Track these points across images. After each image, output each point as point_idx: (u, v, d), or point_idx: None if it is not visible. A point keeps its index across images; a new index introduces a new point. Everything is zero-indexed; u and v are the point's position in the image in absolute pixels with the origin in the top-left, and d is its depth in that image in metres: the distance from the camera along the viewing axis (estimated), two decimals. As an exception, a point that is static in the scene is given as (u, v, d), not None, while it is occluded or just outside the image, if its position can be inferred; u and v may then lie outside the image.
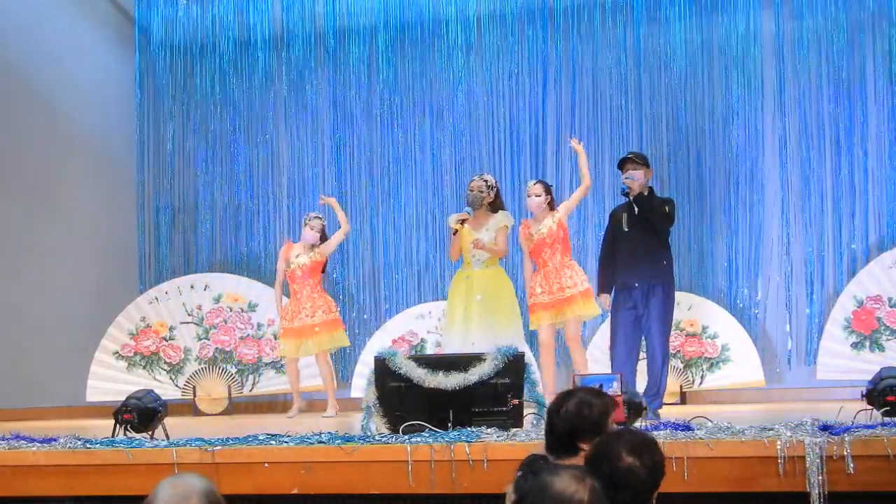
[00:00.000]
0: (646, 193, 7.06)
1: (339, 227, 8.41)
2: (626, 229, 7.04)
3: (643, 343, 7.15)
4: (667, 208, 7.07)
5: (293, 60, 10.29)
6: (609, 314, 7.37)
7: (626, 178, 7.03)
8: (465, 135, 9.88)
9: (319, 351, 8.30)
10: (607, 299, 7.25)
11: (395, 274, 9.92)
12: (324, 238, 8.36)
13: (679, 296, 8.95)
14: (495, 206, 7.07)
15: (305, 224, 8.36)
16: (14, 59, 9.39)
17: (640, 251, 7.01)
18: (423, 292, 9.72)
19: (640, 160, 7.14)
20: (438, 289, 9.64)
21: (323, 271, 8.49)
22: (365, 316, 9.89)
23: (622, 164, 7.16)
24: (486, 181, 7.02)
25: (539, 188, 7.49)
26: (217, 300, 9.47)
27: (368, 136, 10.08)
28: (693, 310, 8.90)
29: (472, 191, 6.98)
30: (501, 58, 9.82)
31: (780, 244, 9.15)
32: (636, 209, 7.00)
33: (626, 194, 7.01)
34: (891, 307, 8.53)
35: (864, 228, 8.97)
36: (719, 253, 9.26)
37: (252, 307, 9.45)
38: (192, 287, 9.47)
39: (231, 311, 9.46)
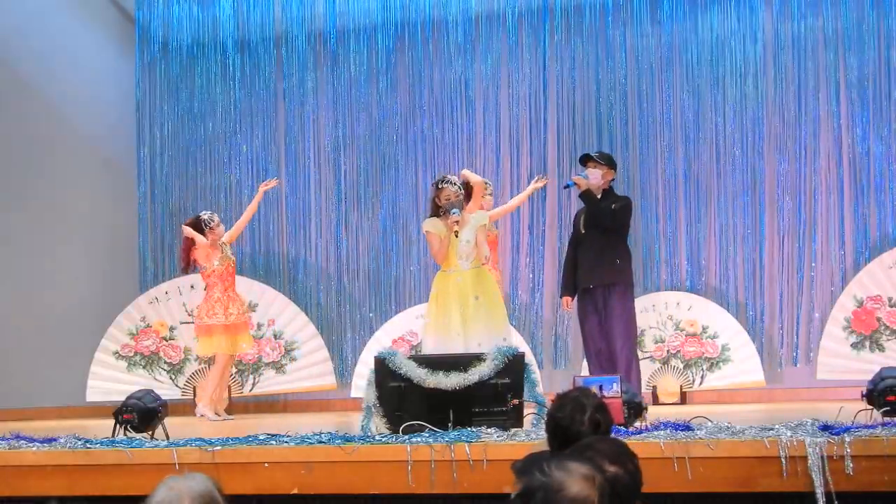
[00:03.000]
0: (598, 195, 7.24)
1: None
2: (583, 231, 7.25)
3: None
4: (613, 206, 7.24)
5: (293, 60, 10.29)
6: (577, 317, 7.60)
7: (577, 175, 7.26)
8: (465, 134, 9.88)
9: (220, 352, 8.40)
10: (568, 301, 7.46)
11: (394, 274, 9.92)
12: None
13: (679, 296, 9.02)
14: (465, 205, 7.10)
15: (210, 228, 8.37)
16: (14, 58, 9.39)
17: (595, 252, 7.24)
18: (423, 292, 9.71)
19: (603, 160, 7.35)
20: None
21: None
22: (370, 315, 9.89)
23: (584, 161, 7.39)
24: (454, 182, 6.99)
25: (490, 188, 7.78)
26: (217, 300, 9.45)
27: (368, 135, 10.09)
28: (693, 310, 8.90)
29: (449, 198, 6.89)
30: (501, 57, 9.83)
31: (779, 244, 9.15)
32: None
33: (567, 188, 7.26)
34: (891, 307, 8.53)
35: (865, 228, 8.97)
36: (719, 253, 9.26)
37: (252, 307, 9.44)
38: (192, 287, 9.45)
39: (231, 311, 9.46)
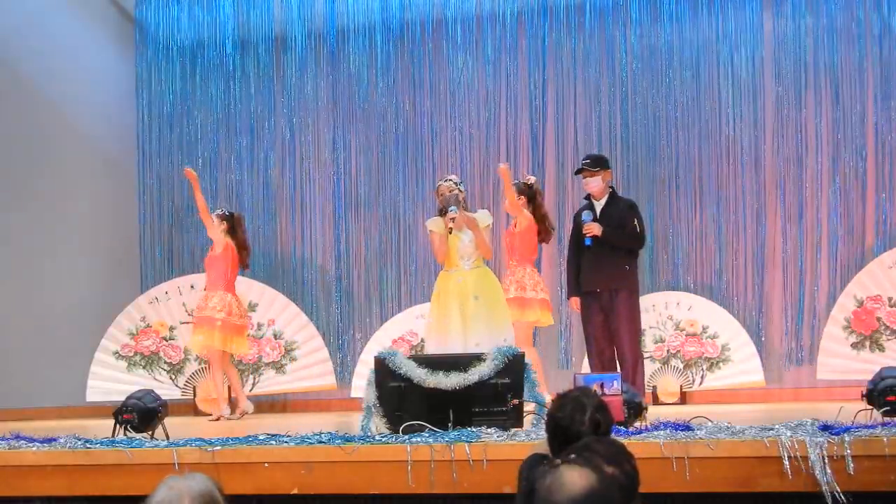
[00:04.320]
0: (603, 200, 7.33)
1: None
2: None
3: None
4: (635, 225, 7.29)
5: (293, 60, 10.29)
6: (581, 318, 7.63)
7: (585, 227, 7.28)
8: (465, 134, 9.88)
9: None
10: (577, 302, 7.47)
11: (394, 274, 9.92)
12: (231, 231, 8.44)
13: (679, 296, 9.02)
14: (466, 205, 7.07)
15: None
16: (14, 58, 9.39)
17: (603, 256, 7.26)
18: (423, 292, 9.71)
19: (597, 165, 7.37)
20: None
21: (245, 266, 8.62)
22: (370, 315, 9.89)
23: (579, 171, 7.45)
24: (452, 180, 7.00)
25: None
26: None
27: (368, 135, 10.09)
28: (693, 310, 8.90)
29: (443, 195, 6.93)
30: (501, 57, 9.83)
31: (779, 244, 9.15)
32: (598, 217, 7.36)
33: (589, 246, 7.30)
34: (891, 307, 8.53)
35: (864, 228, 8.97)
36: (719, 253, 9.26)
37: (252, 307, 9.44)
38: (192, 287, 9.45)
39: (231, 311, 9.45)
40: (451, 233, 6.75)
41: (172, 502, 2.43)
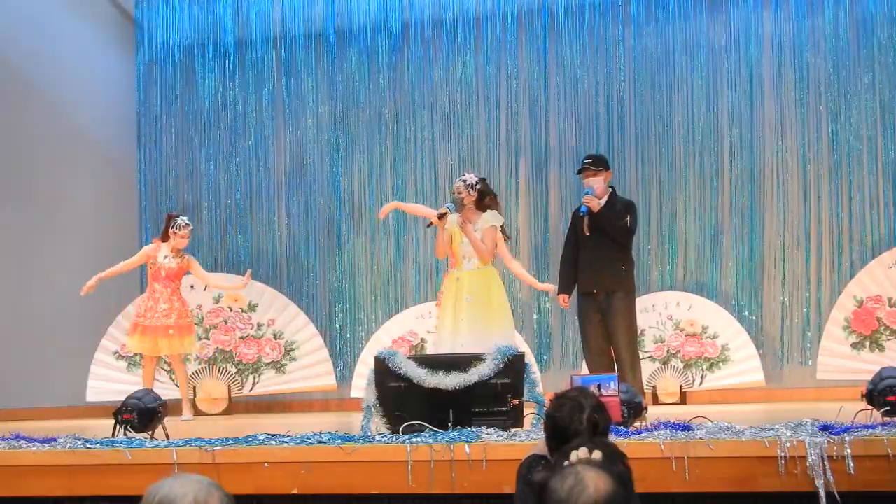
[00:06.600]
0: (604, 201, 7.30)
1: (236, 283, 8.84)
2: (587, 234, 7.27)
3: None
4: (627, 220, 7.31)
5: (293, 60, 10.29)
6: (577, 318, 7.63)
7: (586, 197, 7.25)
8: (465, 134, 9.88)
9: (173, 354, 8.42)
10: (565, 299, 7.48)
11: (395, 273, 9.92)
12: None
13: (679, 296, 9.02)
14: (483, 205, 6.97)
15: (176, 232, 8.39)
16: (14, 59, 9.39)
17: (600, 257, 7.30)
18: (424, 292, 9.72)
19: (599, 165, 7.38)
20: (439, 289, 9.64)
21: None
22: (370, 315, 9.89)
23: (580, 171, 7.44)
24: (464, 181, 6.94)
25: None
26: (217, 300, 9.46)
27: (368, 135, 10.08)
28: (693, 310, 8.90)
29: (453, 193, 6.97)
30: (501, 57, 9.83)
31: (779, 244, 9.15)
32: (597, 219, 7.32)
33: (584, 215, 7.28)
34: (891, 307, 8.53)
35: (864, 228, 8.97)
36: (719, 253, 9.26)
37: (252, 307, 9.45)
38: (192, 287, 9.44)
39: (231, 311, 9.46)
40: (429, 226, 6.84)
41: (203, 499, 2.39)
